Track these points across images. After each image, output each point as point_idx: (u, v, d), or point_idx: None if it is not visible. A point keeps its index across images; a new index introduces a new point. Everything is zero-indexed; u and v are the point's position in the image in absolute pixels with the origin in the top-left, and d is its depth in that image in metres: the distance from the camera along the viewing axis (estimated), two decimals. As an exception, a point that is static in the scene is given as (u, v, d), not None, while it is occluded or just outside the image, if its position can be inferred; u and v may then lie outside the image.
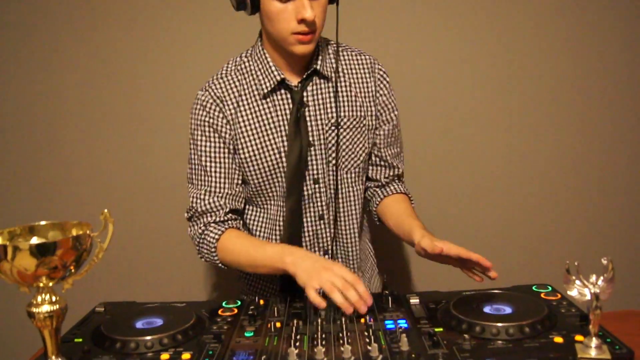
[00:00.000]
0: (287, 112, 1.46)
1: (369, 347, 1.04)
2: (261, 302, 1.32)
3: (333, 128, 1.48)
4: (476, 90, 2.10)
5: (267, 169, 1.47)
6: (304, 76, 1.46)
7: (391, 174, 1.62)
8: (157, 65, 2.07)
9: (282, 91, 1.47)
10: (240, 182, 1.50)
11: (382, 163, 1.60)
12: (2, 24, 2.04)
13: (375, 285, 1.70)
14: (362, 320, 1.18)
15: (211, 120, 1.46)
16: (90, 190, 2.14)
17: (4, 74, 2.07)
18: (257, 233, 1.57)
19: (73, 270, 0.97)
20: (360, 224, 1.62)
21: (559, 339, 1.05)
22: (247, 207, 1.58)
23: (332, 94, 1.49)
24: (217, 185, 1.47)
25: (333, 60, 1.51)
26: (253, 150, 1.46)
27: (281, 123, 1.46)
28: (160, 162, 2.12)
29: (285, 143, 1.46)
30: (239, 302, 1.33)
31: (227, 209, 1.47)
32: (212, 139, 1.46)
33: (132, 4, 2.04)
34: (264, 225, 1.56)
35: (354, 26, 1.95)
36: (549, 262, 2.12)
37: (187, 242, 2.15)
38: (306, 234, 1.52)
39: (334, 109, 1.48)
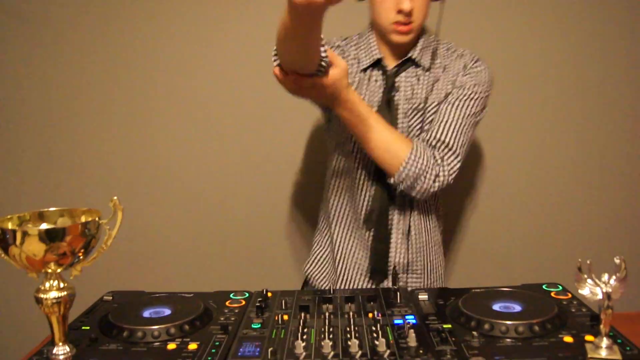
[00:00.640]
0: (380, 91, 1.54)
1: (377, 342, 1.04)
2: (269, 294, 1.31)
3: (415, 112, 1.53)
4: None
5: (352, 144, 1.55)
6: (400, 62, 1.54)
7: (423, 137, 1.52)
8: (170, 55, 2.07)
9: (378, 72, 1.56)
10: None
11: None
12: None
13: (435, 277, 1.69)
14: (370, 315, 1.18)
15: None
16: (100, 178, 2.14)
17: (15, 63, 2.08)
18: (341, 209, 1.64)
19: (82, 257, 0.97)
20: (434, 209, 1.65)
21: (568, 339, 1.04)
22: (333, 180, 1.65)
23: (423, 83, 1.54)
24: None
25: (436, 56, 1.56)
26: None
27: (370, 99, 1.54)
28: (171, 152, 2.12)
29: None
30: (247, 294, 1.33)
31: None
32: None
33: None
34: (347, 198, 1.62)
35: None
36: (560, 260, 2.10)
37: (196, 232, 2.17)
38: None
39: (421, 96, 1.53)
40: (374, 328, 1.11)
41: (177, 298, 1.29)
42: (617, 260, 0.94)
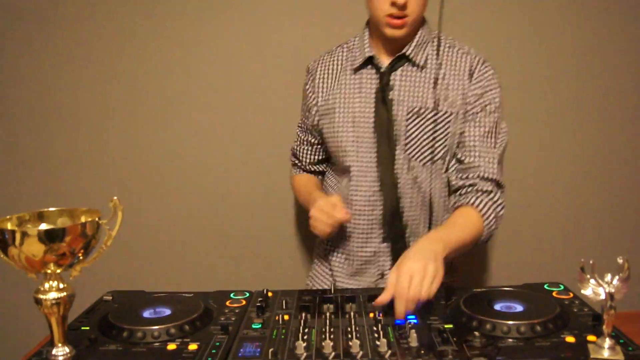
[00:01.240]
0: (373, 91, 1.50)
1: (378, 342, 1.03)
2: (269, 294, 1.31)
3: (414, 116, 1.47)
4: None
5: (349, 148, 1.52)
6: (393, 59, 1.49)
7: (465, 177, 1.46)
8: (170, 55, 2.07)
9: (371, 69, 1.51)
10: (318, 154, 1.71)
11: (455, 163, 1.51)
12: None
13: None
14: (371, 314, 1.17)
15: (307, 91, 1.63)
16: (100, 178, 2.13)
17: (15, 63, 2.07)
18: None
19: (81, 258, 0.97)
20: (431, 219, 1.54)
21: (571, 339, 1.04)
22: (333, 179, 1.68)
23: (420, 82, 1.48)
24: (304, 147, 1.72)
25: (433, 52, 1.50)
26: (340, 123, 1.54)
27: (365, 100, 1.51)
28: (172, 151, 2.12)
29: (370, 118, 1.50)
30: (247, 294, 1.33)
31: (309, 166, 1.74)
32: (304, 108, 1.66)
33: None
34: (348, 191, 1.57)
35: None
36: (562, 260, 2.10)
37: (197, 232, 2.16)
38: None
39: (418, 97, 1.47)
40: (375, 328, 1.11)
41: (177, 298, 1.29)
42: (620, 260, 0.93)
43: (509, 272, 2.10)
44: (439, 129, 1.47)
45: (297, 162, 1.76)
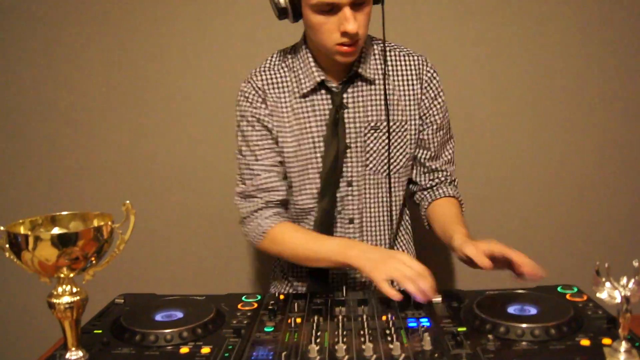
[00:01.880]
0: (326, 113, 1.46)
1: (391, 346, 1.03)
2: (281, 297, 1.31)
3: (372, 131, 1.47)
4: (500, 88, 2.07)
5: (301, 168, 1.47)
6: (345, 79, 1.45)
7: (436, 177, 1.57)
8: (181, 57, 2.07)
9: (322, 92, 1.46)
10: (285, 177, 1.50)
11: (423, 167, 1.57)
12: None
13: None
14: (384, 317, 1.17)
15: (255, 111, 1.47)
16: (111, 181, 2.14)
17: (25, 65, 2.08)
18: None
19: (94, 262, 0.97)
20: (393, 229, 1.57)
21: (585, 342, 1.03)
22: None
23: (372, 97, 1.47)
24: (267, 172, 1.47)
25: (377, 62, 1.48)
26: (289, 148, 1.46)
27: (319, 124, 1.46)
28: (183, 155, 2.12)
29: (322, 144, 1.46)
30: (259, 297, 1.33)
31: (279, 195, 1.48)
32: (257, 129, 1.47)
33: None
34: (294, 221, 1.55)
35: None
36: (575, 262, 2.08)
37: (208, 235, 2.16)
38: (336, 236, 1.52)
39: (373, 112, 1.47)
40: (387, 331, 1.10)
41: (189, 301, 1.29)
42: (635, 264, 0.92)
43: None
44: (397, 138, 1.49)
45: (266, 197, 1.47)
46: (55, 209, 1.05)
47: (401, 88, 1.49)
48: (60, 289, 0.95)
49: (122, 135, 2.12)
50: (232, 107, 2.09)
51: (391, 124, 1.47)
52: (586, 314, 1.15)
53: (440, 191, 1.56)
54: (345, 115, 1.45)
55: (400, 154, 1.50)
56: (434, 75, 1.51)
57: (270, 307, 1.22)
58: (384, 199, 1.53)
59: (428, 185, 1.58)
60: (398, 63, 1.49)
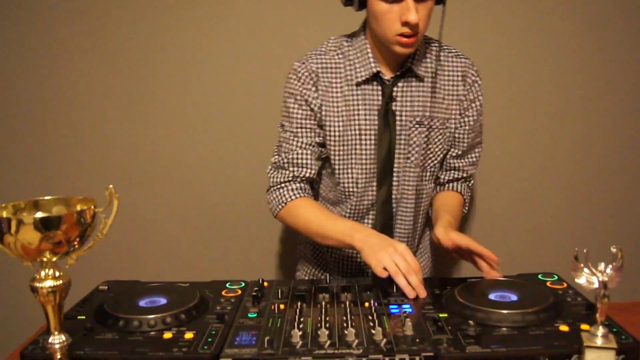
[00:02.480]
0: (374, 103, 1.51)
1: (373, 331, 1.04)
2: (265, 283, 1.31)
3: (416, 126, 1.52)
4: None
5: (345, 152, 1.53)
6: (398, 73, 1.49)
7: (454, 175, 1.64)
8: (163, 44, 2.06)
9: (374, 83, 1.50)
10: (319, 157, 1.57)
11: (447, 164, 1.63)
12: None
13: None
14: (367, 304, 1.18)
15: (304, 91, 1.51)
16: (96, 168, 2.13)
17: (12, 53, 2.06)
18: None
19: (77, 246, 0.97)
20: (424, 221, 1.67)
21: (564, 327, 1.05)
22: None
23: (420, 93, 1.51)
24: (303, 149, 1.53)
25: (429, 60, 1.53)
26: (338, 132, 1.51)
27: (367, 113, 1.51)
28: (168, 142, 2.12)
29: (367, 132, 1.50)
30: (243, 284, 1.33)
31: (309, 173, 1.54)
32: (303, 108, 1.52)
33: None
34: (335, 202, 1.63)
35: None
36: (556, 251, 2.11)
37: (193, 222, 2.16)
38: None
39: (419, 108, 1.51)
40: (370, 317, 1.11)
41: (173, 287, 1.29)
42: (613, 250, 0.94)
43: (503, 262, 2.11)
44: (438, 135, 1.55)
45: (296, 172, 1.54)
46: (39, 196, 1.04)
47: (446, 87, 1.54)
48: (43, 273, 0.95)
49: (107, 122, 2.10)
50: (217, 96, 2.10)
51: (435, 120, 1.53)
52: (566, 301, 1.17)
53: (451, 185, 1.65)
54: (393, 108, 1.50)
55: (439, 149, 1.56)
56: (477, 79, 1.56)
57: (254, 293, 1.22)
58: (423, 192, 1.59)
59: (445, 181, 1.65)
60: (446, 63, 1.54)
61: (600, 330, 0.95)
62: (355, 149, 1.52)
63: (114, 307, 1.16)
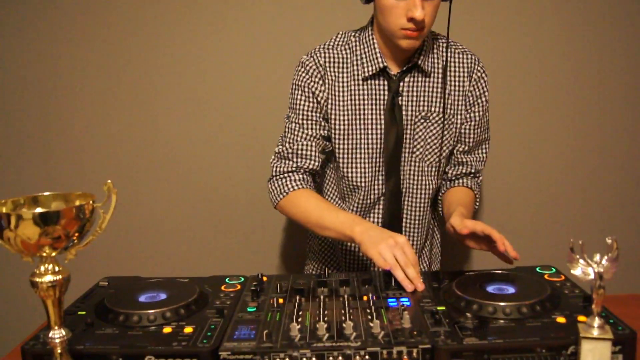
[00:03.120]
0: (380, 98, 1.53)
1: (371, 324, 1.04)
2: (264, 278, 1.32)
3: (422, 120, 1.53)
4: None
5: (350, 146, 1.55)
6: (404, 68, 1.51)
7: (462, 171, 1.65)
8: (162, 41, 2.07)
9: (381, 78, 1.53)
10: (323, 150, 1.58)
11: (455, 160, 1.65)
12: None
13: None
14: (365, 297, 1.18)
15: (311, 84, 1.54)
16: (96, 165, 2.14)
17: (12, 50, 2.07)
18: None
19: (76, 241, 0.97)
20: (428, 217, 1.67)
21: (561, 319, 1.05)
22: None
23: (426, 88, 1.53)
24: (307, 141, 1.55)
25: (436, 56, 1.54)
26: (344, 126, 1.53)
27: (373, 107, 1.53)
28: (168, 138, 2.12)
29: (372, 126, 1.52)
30: (242, 278, 1.34)
31: (311, 165, 1.55)
32: (310, 100, 1.55)
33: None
34: (342, 195, 1.64)
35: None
36: (553, 244, 2.11)
37: (193, 218, 2.17)
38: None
39: (425, 103, 1.53)
40: (368, 310, 1.12)
41: (172, 283, 1.30)
42: (608, 241, 0.94)
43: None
44: (444, 130, 1.56)
45: (300, 163, 1.55)
46: (38, 192, 1.05)
47: (453, 82, 1.55)
48: (42, 268, 0.95)
49: (107, 118, 2.12)
50: (217, 91, 2.10)
51: (440, 115, 1.54)
52: (563, 293, 1.18)
53: (461, 181, 1.66)
54: (400, 103, 1.52)
55: (444, 144, 1.58)
56: (483, 75, 1.58)
57: (253, 288, 1.23)
58: (426, 186, 1.60)
59: (453, 177, 1.66)
60: (453, 59, 1.56)
61: (597, 321, 0.95)
62: (361, 143, 1.54)
63: (114, 302, 1.17)
